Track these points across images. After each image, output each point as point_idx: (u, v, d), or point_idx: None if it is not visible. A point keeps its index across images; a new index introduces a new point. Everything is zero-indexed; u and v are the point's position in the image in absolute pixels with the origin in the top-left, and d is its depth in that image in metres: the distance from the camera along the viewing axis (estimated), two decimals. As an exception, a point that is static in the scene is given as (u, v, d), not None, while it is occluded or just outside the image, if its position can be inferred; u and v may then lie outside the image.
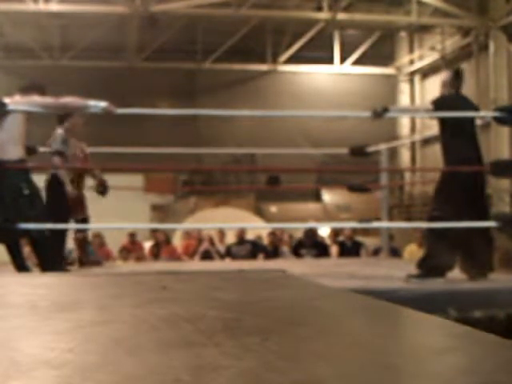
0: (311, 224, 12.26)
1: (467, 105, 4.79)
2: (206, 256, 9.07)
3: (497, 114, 4.74)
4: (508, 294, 4.08)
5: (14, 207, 4.65)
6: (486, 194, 4.78)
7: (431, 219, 4.71)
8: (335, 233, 10.06)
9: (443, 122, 4.70)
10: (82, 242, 6.05)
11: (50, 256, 4.83)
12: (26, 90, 4.87)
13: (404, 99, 17.95)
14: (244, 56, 17.12)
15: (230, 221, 12.02)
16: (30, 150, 5.33)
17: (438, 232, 4.55)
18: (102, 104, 4.65)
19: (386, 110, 4.83)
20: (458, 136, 4.61)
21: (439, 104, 4.68)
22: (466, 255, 4.57)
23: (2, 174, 4.69)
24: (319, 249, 8.96)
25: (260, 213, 15.53)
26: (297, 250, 8.97)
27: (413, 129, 17.58)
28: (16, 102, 4.73)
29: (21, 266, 4.82)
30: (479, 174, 4.67)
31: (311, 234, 8.95)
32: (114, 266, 7.10)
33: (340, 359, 1.51)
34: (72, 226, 5.62)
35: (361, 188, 6.72)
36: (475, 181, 4.62)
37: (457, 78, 4.79)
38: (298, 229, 10.73)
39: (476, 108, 4.86)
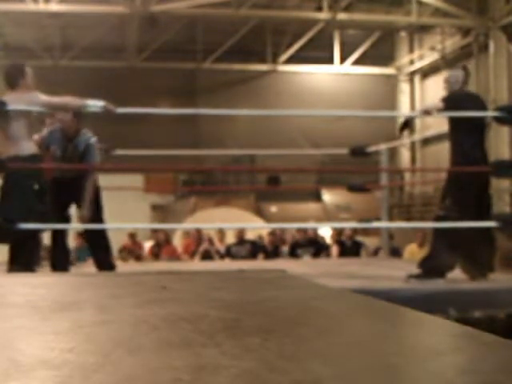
0: (311, 224, 12.26)
1: (477, 102, 4.77)
2: (206, 256, 9.07)
3: (497, 113, 4.72)
4: (508, 294, 4.08)
5: (21, 203, 4.66)
6: (490, 195, 4.78)
7: (436, 219, 4.70)
8: (337, 233, 10.07)
9: (452, 120, 4.67)
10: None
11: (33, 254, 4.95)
12: (14, 83, 4.84)
13: (404, 99, 17.96)
14: (244, 56, 17.13)
15: (230, 221, 12.02)
16: None
17: (442, 232, 4.54)
18: (101, 103, 4.67)
19: (407, 122, 4.95)
20: (466, 134, 4.59)
21: (450, 101, 4.64)
22: (469, 255, 4.56)
23: (12, 169, 4.71)
24: (316, 247, 9.00)
25: (260, 213, 15.53)
26: (293, 250, 8.99)
27: (413, 129, 17.59)
28: (17, 99, 4.73)
29: (15, 265, 4.82)
30: (484, 174, 4.65)
31: (304, 232, 9.02)
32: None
33: (340, 359, 1.51)
34: (74, 225, 5.61)
35: (361, 188, 6.71)
36: (481, 181, 4.62)
37: (466, 74, 4.79)
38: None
39: (485, 105, 4.85)
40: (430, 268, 4.51)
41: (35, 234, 4.94)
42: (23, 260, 4.85)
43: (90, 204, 5.16)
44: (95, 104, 4.69)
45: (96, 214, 5.18)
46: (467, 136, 4.60)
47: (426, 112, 4.99)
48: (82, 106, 4.80)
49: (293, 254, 8.93)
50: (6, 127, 4.72)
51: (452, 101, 4.64)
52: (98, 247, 5.23)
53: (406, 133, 5.04)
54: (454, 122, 4.66)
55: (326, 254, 9.29)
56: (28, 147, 4.76)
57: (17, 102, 4.66)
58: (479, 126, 4.67)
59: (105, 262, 5.15)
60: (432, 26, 16.57)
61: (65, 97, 4.79)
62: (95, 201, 5.21)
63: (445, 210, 4.59)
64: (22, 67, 4.92)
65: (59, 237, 5.23)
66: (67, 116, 5.16)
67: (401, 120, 5.13)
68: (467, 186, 4.52)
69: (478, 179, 4.57)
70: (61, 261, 5.19)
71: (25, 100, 4.67)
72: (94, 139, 5.29)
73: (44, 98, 4.71)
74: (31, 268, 4.84)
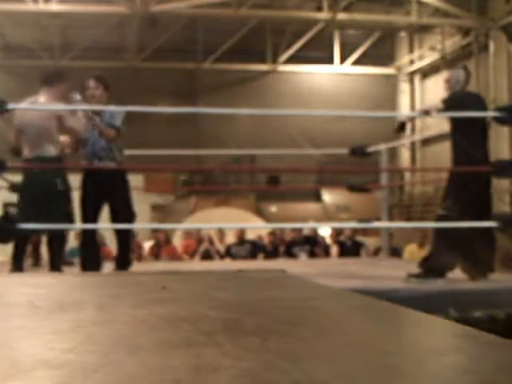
0: (311, 224, 12.26)
1: (479, 101, 4.78)
2: (206, 256, 9.07)
3: (497, 113, 4.73)
4: (508, 294, 4.08)
5: (46, 204, 4.72)
6: (491, 195, 4.79)
7: (438, 218, 4.69)
8: (336, 233, 10.08)
9: (454, 120, 4.67)
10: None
11: (60, 254, 5.00)
12: (50, 81, 4.97)
13: (404, 99, 17.95)
14: (244, 56, 17.12)
15: (229, 221, 12.02)
16: (18, 151, 5.23)
17: (443, 232, 4.54)
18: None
19: (403, 124, 4.97)
20: (468, 134, 4.60)
21: (452, 101, 4.64)
22: (469, 255, 4.56)
23: (38, 171, 4.76)
24: (311, 243, 9.04)
25: (260, 213, 15.52)
26: (289, 249, 9.01)
27: (413, 129, 17.59)
28: (46, 102, 4.84)
29: (18, 265, 4.86)
30: (486, 174, 4.66)
31: (299, 230, 9.09)
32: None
33: (340, 359, 1.51)
34: (78, 226, 5.59)
35: (361, 188, 6.71)
36: (483, 181, 4.62)
37: (467, 74, 4.80)
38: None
39: (485, 104, 4.87)
40: (430, 268, 4.51)
41: (63, 234, 5.01)
42: (59, 262, 4.92)
43: (126, 200, 5.08)
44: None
45: (128, 209, 5.11)
46: (469, 136, 4.60)
47: (426, 112, 5.00)
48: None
49: (289, 252, 8.95)
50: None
51: (454, 101, 4.64)
52: (121, 242, 5.19)
53: (402, 134, 5.08)
54: (455, 122, 4.66)
55: (325, 254, 9.29)
56: (51, 149, 4.82)
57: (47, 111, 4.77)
58: (481, 125, 4.68)
59: (124, 259, 5.13)
60: (432, 26, 16.56)
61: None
62: (127, 197, 5.15)
63: (446, 209, 4.59)
64: (60, 72, 5.10)
65: (90, 235, 5.16)
66: (99, 91, 5.16)
67: (398, 120, 5.14)
68: (469, 186, 4.53)
69: (480, 179, 4.57)
70: (92, 260, 5.11)
71: (56, 112, 4.78)
72: (118, 110, 5.21)
73: (68, 123, 4.81)
74: (22, 269, 4.89)
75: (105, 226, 5.19)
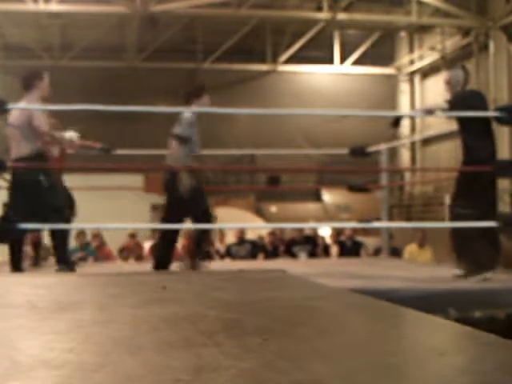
0: (311, 224, 12.26)
1: (480, 98, 4.82)
2: (206, 256, 9.06)
3: (497, 113, 4.74)
4: (508, 294, 4.08)
5: (31, 202, 4.72)
6: (496, 191, 4.82)
7: (457, 217, 4.66)
8: (336, 233, 10.08)
9: (460, 120, 4.70)
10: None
11: (65, 248, 5.01)
12: (27, 86, 4.98)
13: (404, 99, 17.95)
14: (244, 56, 17.12)
15: (229, 221, 12.02)
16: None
17: (466, 230, 4.53)
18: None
19: (398, 119, 4.99)
20: (472, 133, 4.64)
21: (455, 102, 4.66)
22: (470, 252, 4.58)
23: (18, 171, 4.77)
24: (312, 244, 9.04)
25: (260, 213, 15.52)
26: (289, 248, 9.01)
27: (413, 129, 17.59)
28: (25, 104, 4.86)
29: (16, 265, 4.86)
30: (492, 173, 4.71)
31: (300, 230, 9.11)
32: (114, 266, 7.10)
33: (340, 359, 1.51)
34: (79, 225, 5.60)
35: (361, 188, 6.71)
36: (487, 178, 4.65)
37: (466, 74, 4.85)
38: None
39: (486, 100, 4.92)
40: (479, 264, 4.51)
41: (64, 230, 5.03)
42: (65, 257, 4.93)
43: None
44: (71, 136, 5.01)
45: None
46: (473, 134, 4.65)
47: (429, 112, 5.01)
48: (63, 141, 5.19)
49: (289, 251, 8.95)
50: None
51: (459, 100, 4.67)
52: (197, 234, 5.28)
53: (397, 129, 5.16)
54: (462, 121, 4.69)
55: (325, 254, 9.30)
56: (29, 147, 4.82)
57: (21, 111, 4.76)
58: (485, 122, 4.73)
59: (201, 246, 5.27)
60: (432, 26, 16.56)
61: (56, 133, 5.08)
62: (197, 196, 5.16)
63: (464, 207, 4.60)
64: (33, 74, 5.11)
65: (172, 236, 5.20)
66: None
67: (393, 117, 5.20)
68: (482, 183, 4.57)
69: (484, 176, 4.61)
70: (167, 260, 5.20)
71: (28, 111, 4.77)
72: (188, 114, 5.21)
73: (42, 126, 4.80)
74: (21, 269, 4.90)
75: (107, 226, 5.18)
